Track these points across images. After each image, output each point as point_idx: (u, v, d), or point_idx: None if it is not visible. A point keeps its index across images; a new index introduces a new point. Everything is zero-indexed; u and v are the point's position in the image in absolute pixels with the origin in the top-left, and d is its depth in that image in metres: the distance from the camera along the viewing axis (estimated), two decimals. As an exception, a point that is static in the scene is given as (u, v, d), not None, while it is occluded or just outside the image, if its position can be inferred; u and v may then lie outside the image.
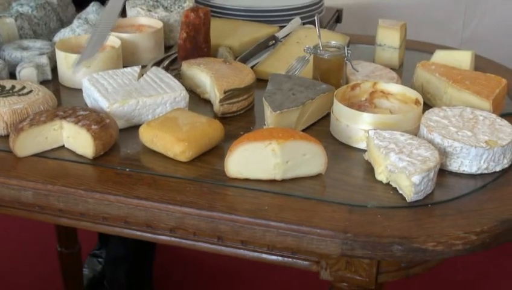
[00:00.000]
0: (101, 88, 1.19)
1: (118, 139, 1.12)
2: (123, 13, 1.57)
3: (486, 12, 2.63)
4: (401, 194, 0.99)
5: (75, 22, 1.48)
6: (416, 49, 1.55)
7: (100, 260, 2.27)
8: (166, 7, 1.53)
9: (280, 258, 1.03)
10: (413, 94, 1.18)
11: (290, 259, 1.03)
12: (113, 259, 2.15)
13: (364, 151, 1.09)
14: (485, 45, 2.59)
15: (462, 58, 1.34)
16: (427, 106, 1.23)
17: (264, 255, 1.04)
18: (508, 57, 2.53)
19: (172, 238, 1.06)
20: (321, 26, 1.28)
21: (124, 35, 1.40)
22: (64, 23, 1.61)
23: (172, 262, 2.39)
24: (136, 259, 2.12)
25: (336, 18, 1.94)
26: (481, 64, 1.43)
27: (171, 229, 1.04)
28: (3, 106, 1.13)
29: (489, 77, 1.23)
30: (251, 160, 1.01)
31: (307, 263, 1.03)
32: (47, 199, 1.02)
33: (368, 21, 2.33)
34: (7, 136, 1.11)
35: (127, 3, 1.55)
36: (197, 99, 1.29)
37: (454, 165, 1.05)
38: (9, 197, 1.04)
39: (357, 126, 1.11)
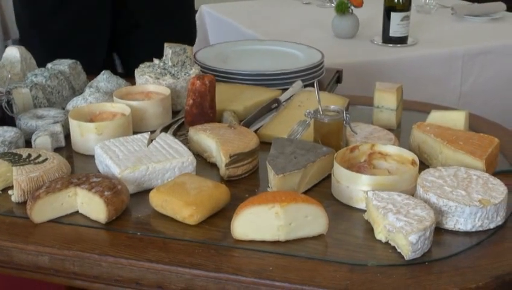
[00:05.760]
0: (113, 155, 1.25)
1: (129, 204, 1.17)
2: (132, 81, 1.65)
3: (483, 67, 2.71)
4: (399, 253, 1.03)
5: (87, 90, 1.55)
6: (414, 109, 1.61)
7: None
8: (173, 74, 1.60)
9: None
10: (410, 155, 1.24)
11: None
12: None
13: (365, 211, 1.14)
14: (483, 100, 2.67)
15: (457, 118, 1.40)
16: (424, 165, 1.29)
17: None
18: (504, 110, 2.61)
19: (182, 299, 1.11)
20: (322, 87, 1.34)
21: (134, 103, 1.47)
22: (76, 90, 1.68)
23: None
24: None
25: (336, 79, 2.01)
26: (475, 122, 1.49)
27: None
28: (21, 175, 1.19)
29: (482, 137, 1.29)
30: (256, 222, 1.06)
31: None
32: (63, 263, 1.07)
33: (367, 79, 2.40)
34: (24, 203, 1.17)
35: (136, 70, 1.63)
36: (204, 163, 1.35)
37: (449, 223, 1.10)
38: (27, 262, 1.09)
39: (357, 187, 1.16)
